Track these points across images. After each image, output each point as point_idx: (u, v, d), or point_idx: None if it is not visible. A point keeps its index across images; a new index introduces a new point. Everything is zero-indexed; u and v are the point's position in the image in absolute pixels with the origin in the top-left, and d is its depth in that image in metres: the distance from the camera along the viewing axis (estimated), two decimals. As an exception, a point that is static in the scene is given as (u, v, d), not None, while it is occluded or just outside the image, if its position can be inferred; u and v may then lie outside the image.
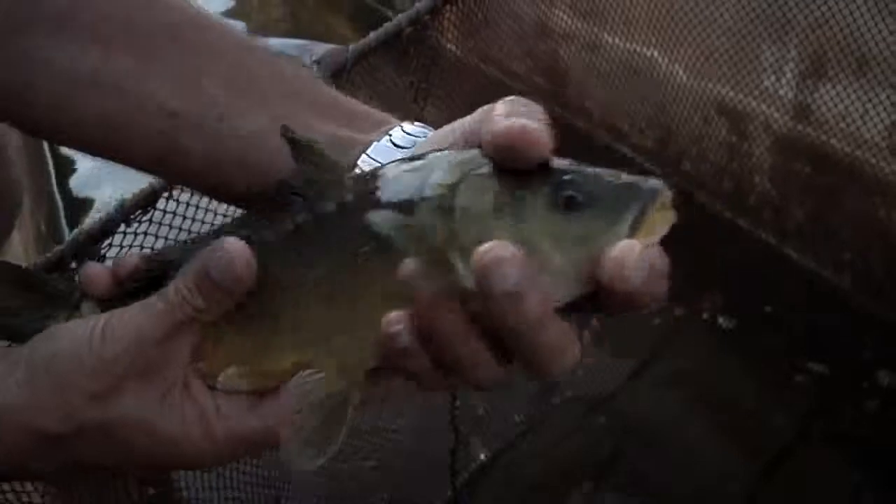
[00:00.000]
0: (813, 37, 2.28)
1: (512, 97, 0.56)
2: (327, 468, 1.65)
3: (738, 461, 2.26)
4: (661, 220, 0.52)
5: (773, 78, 2.43)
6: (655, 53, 2.78)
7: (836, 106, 2.31)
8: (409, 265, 0.51)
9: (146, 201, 0.91)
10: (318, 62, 1.23)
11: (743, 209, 2.74)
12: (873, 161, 2.28)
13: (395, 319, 0.52)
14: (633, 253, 0.50)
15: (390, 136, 0.65)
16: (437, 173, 0.55)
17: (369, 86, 1.43)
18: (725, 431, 2.34)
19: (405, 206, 0.54)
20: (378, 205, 0.55)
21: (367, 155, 0.63)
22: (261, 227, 0.58)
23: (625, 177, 0.54)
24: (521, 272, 0.49)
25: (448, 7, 1.76)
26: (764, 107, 2.49)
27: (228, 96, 0.65)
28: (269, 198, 0.59)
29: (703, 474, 2.21)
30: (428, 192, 0.54)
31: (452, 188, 0.54)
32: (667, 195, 0.52)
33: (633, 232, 0.51)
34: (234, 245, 0.54)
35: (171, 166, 0.67)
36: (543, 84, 3.34)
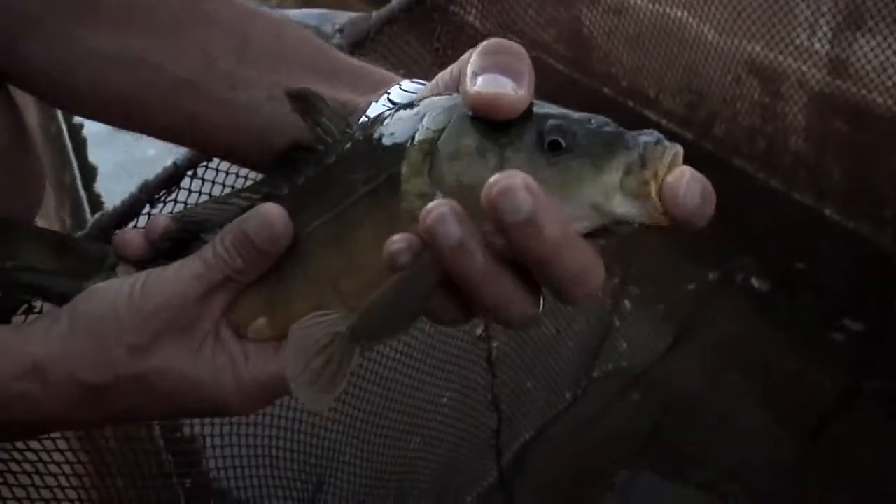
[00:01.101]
0: (848, -12, 2.21)
1: (491, 42, 0.56)
2: (368, 454, 1.63)
3: (780, 427, 2.23)
4: (675, 163, 0.52)
5: (807, 33, 2.35)
6: (683, 14, 2.71)
7: (875, 58, 2.23)
8: (404, 211, 0.53)
9: (170, 181, 0.87)
10: (340, 30, 1.18)
11: (777, 170, 2.67)
12: (914, 114, 2.21)
13: (398, 239, 0.52)
14: (685, 177, 0.50)
15: (388, 94, 0.66)
16: (427, 118, 0.56)
17: (394, 54, 1.39)
18: (766, 397, 2.30)
19: (398, 151, 0.56)
20: (374, 151, 0.58)
21: (367, 116, 0.65)
22: (276, 184, 0.62)
23: (615, 126, 0.54)
24: (534, 200, 0.48)
25: (469, -25, 1.71)
26: (798, 64, 2.42)
27: (237, 65, 0.67)
28: (284, 157, 0.62)
29: (746, 442, 2.17)
30: (418, 137, 0.55)
31: (439, 132, 0.55)
32: (672, 149, 0.52)
33: (624, 180, 0.51)
34: (272, 209, 0.58)
35: (189, 136, 0.70)
36: (567, 52, 3.28)
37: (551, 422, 2.12)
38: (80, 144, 3.89)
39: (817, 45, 2.34)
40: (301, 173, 0.61)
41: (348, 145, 0.60)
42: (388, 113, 0.60)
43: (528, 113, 0.54)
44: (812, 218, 2.60)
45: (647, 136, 0.52)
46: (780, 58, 2.45)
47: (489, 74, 0.54)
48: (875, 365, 2.28)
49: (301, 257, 0.60)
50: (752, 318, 2.46)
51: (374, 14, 1.27)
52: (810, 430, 2.19)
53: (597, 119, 0.54)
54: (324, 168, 0.61)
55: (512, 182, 0.48)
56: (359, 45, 1.21)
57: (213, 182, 0.99)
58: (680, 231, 0.53)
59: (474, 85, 0.54)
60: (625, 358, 2.30)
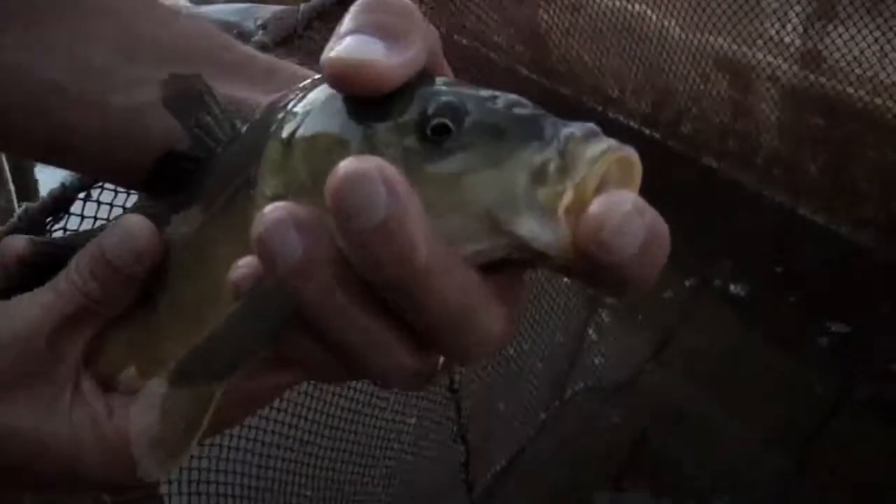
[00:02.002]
0: (819, -25, 2.10)
1: None
2: (336, 493, 1.49)
3: (770, 439, 2.11)
4: (621, 180, 0.38)
5: (777, 24, 2.24)
6: (644, 8, 2.59)
7: (849, 50, 2.12)
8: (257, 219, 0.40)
9: (56, 206, 0.72)
10: (263, 27, 1.04)
11: (750, 169, 2.56)
12: (892, 107, 2.10)
13: (243, 262, 0.41)
14: (622, 207, 0.36)
15: None
16: (294, 101, 0.46)
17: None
18: (753, 408, 2.18)
19: (256, 148, 0.45)
20: (239, 150, 0.48)
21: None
22: (150, 204, 0.52)
23: (531, 108, 0.41)
24: (393, 199, 0.36)
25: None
26: (768, 57, 2.30)
27: (118, 63, 0.56)
28: (159, 168, 0.52)
29: (735, 456, 2.06)
30: (279, 125, 0.45)
31: (300, 121, 0.44)
32: (612, 153, 0.37)
33: (532, 186, 0.38)
34: (132, 219, 0.49)
35: (60, 151, 0.58)
36: (525, 52, 3.16)
37: (525, 447, 1.98)
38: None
39: (788, 37, 2.23)
40: (175, 186, 0.51)
41: (220, 148, 0.49)
42: (269, 103, 0.48)
43: (411, 89, 0.42)
44: (789, 218, 2.50)
45: (576, 128, 0.38)
46: (750, 51, 2.34)
47: (357, 36, 0.42)
48: (864, 369, 2.19)
49: (170, 288, 0.50)
50: (733, 325, 2.36)
51: (302, 7, 1.12)
52: (802, 441, 2.09)
53: (506, 98, 0.41)
54: (195, 176, 0.50)
55: (360, 169, 0.36)
56: (285, 42, 1.06)
57: (112, 205, 0.85)
58: (596, 290, 0.38)
59: (332, 50, 0.42)
60: (600, 373, 2.17)
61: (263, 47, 1.06)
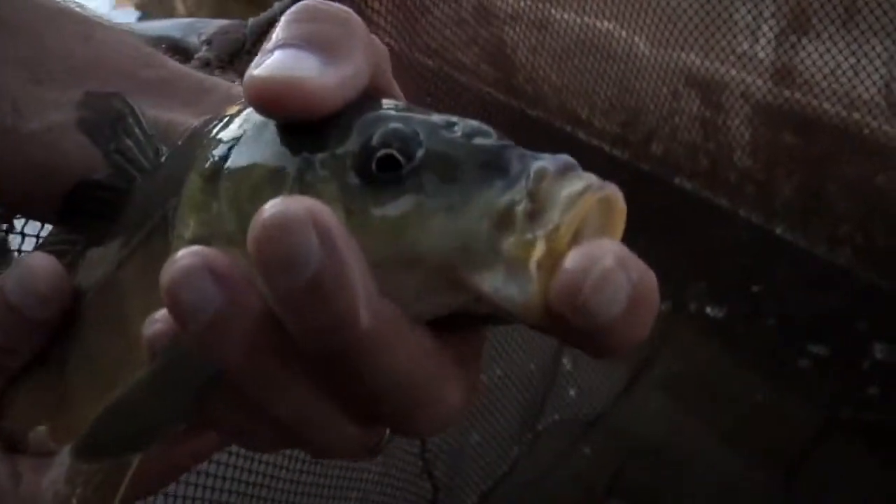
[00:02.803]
0: (791, -11, 2.04)
1: (303, 4, 0.39)
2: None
3: (752, 467, 2.04)
4: (601, 225, 0.32)
5: (748, 39, 2.18)
6: (612, 25, 2.53)
7: (824, 64, 2.06)
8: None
9: None
10: (208, 42, 0.95)
11: (723, 189, 2.50)
12: (869, 122, 2.04)
13: (160, 316, 0.35)
14: (606, 260, 0.30)
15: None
16: (221, 127, 0.40)
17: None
18: (734, 436, 2.11)
19: (176, 181, 0.40)
20: (159, 183, 0.42)
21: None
22: (63, 239, 0.47)
23: (496, 137, 0.35)
24: (328, 251, 0.30)
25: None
26: (741, 73, 2.25)
27: (26, 85, 0.51)
28: (73, 203, 0.46)
29: (717, 487, 1.98)
30: (203, 156, 0.39)
31: (223, 151, 0.38)
32: (593, 193, 0.31)
33: (496, 232, 0.32)
34: (34, 258, 0.44)
35: None
36: (491, 73, 3.09)
37: (497, 483, 1.89)
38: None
39: (760, 53, 2.17)
40: (92, 219, 0.45)
41: (140, 179, 0.44)
42: (195, 127, 0.43)
43: (351, 114, 0.36)
44: (764, 237, 2.44)
45: (548, 162, 0.33)
46: (721, 67, 2.28)
47: (286, 50, 0.36)
48: (846, 392, 2.13)
49: (83, 340, 0.44)
50: (711, 350, 2.29)
51: (251, 21, 1.03)
52: (786, 469, 2.01)
53: (465, 125, 0.35)
54: (113, 210, 0.44)
55: (288, 213, 0.30)
56: (232, 59, 0.97)
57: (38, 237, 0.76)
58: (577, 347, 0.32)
59: (257, 68, 0.36)
60: (575, 405, 2.09)
61: (207, 64, 0.98)
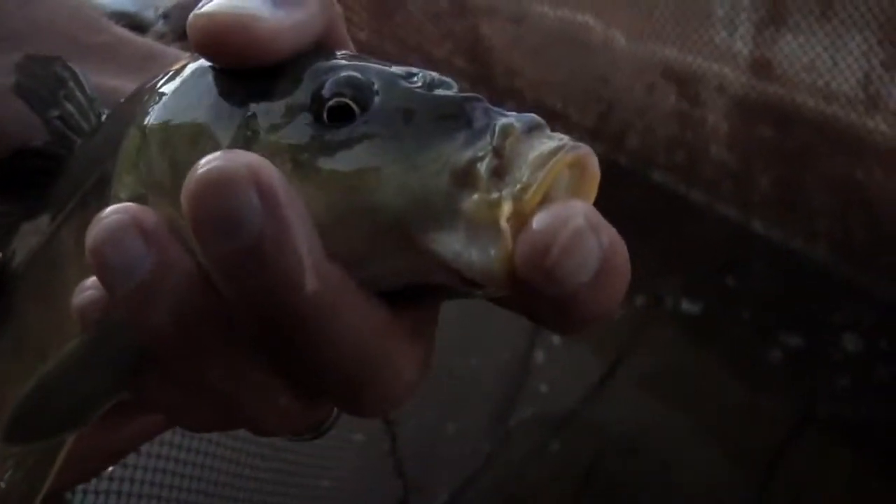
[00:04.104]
0: (768, -20, 2.02)
1: None
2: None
3: (730, 465, 2.02)
4: (572, 189, 0.29)
5: (725, 31, 2.16)
6: (589, 17, 2.50)
7: (800, 58, 2.04)
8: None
9: None
10: (165, 16, 0.92)
11: (699, 182, 2.48)
12: (847, 116, 2.02)
13: (91, 283, 0.32)
14: (574, 221, 0.28)
15: None
16: (161, 82, 0.37)
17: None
18: (711, 432, 2.09)
19: (115, 140, 0.37)
20: (96, 144, 0.40)
21: None
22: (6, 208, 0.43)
23: (456, 89, 0.32)
24: (270, 208, 0.28)
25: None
26: (717, 66, 2.22)
27: None
28: (9, 171, 0.43)
29: (693, 485, 1.96)
30: (141, 111, 0.36)
31: (163, 103, 0.35)
32: (565, 152, 0.28)
33: (456, 189, 0.29)
34: None
35: None
36: (467, 66, 3.06)
37: (469, 481, 1.86)
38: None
39: (737, 45, 2.15)
40: (28, 188, 0.43)
41: (80, 142, 0.41)
42: (139, 88, 0.39)
43: (303, 62, 0.33)
44: (740, 231, 2.43)
45: (515, 118, 0.30)
46: (698, 60, 2.26)
47: None
48: (820, 386, 2.12)
49: (13, 313, 0.42)
50: (686, 345, 2.27)
51: (214, -4, 1.00)
52: (762, 466, 1.98)
53: (425, 75, 0.33)
54: (49, 178, 0.42)
55: (225, 171, 0.28)
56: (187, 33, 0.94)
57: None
58: (538, 324, 0.30)
59: (204, 5, 0.33)
60: (547, 400, 2.05)
61: (162, 38, 0.95)
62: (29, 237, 0.42)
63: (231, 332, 0.32)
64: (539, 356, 2.09)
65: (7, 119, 0.46)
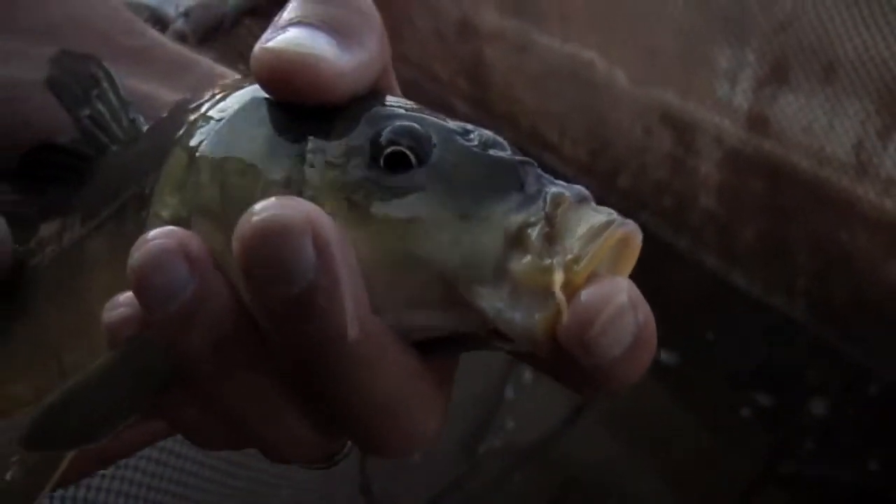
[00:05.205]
0: (775, 40, 2.04)
1: None
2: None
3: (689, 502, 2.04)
4: (613, 260, 0.31)
5: (727, 85, 2.18)
6: (593, 55, 2.52)
7: (797, 119, 2.07)
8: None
9: None
10: (185, 14, 0.92)
11: (685, 230, 2.49)
12: (837, 180, 2.05)
13: (124, 300, 0.33)
14: (618, 298, 0.30)
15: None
16: (208, 105, 0.37)
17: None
18: (675, 479, 2.10)
19: (157, 156, 0.37)
20: (135, 156, 0.40)
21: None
22: (12, 199, 0.43)
23: (511, 150, 0.34)
24: (324, 258, 0.28)
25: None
26: (715, 117, 2.24)
27: None
28: (33, 158, 0.43)
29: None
30: (185, 132, 0.36)
31: (213, 128, 0.35)
32: (619, 228, 0.31)
33: (512, 247, 0.30)
34: None
35: None
36: (466, 88, 3.07)
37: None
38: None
39: (738, 99, 2.17)
40: (48, 184, 0.42)
41: (114, 148, 0.42)
42: (181, 104, 0.40)
43: (360, 106, 0.34)
44: (721, 282, 2.44)
45: (565, 187, 0.32)
46: (697, 109, 2.28)
47: (303, 27, 0.34)
48: (784, 445, 2.13)
49: (22, 310, 0.42)
50: (658, 390, 2.28)
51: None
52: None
53: (481, 134, 0.35)
54: (77, 179, 0.42)
55: (284, 221, 0.28)
56: (209, 35, 0.94)
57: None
58: (560, 383, 0.32)
59: (269, 41, 0.34)
60: (515, 433, 2.06)
61: (182, 38, 0.95)
62: (52, 235, 0.42)
63: (264, 363, 0.32)
64: (510, 392, 2.10)
65: (35, 111, 0.46)
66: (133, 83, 0.47)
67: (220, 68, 0.52)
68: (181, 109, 0.40)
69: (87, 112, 0.42)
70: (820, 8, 1.91)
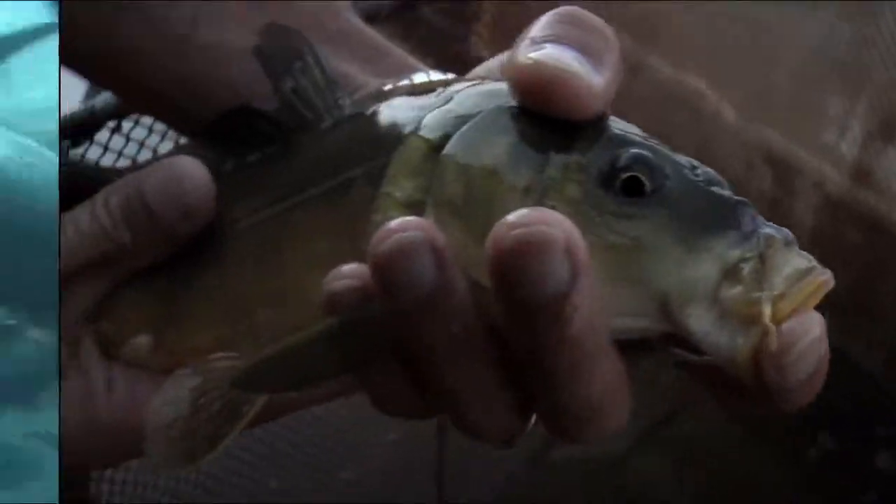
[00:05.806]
0: (888, 95, 2.05)
1: (565, 9, 0.40)
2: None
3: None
4: (809, 300, 0.36)
5: (835, 132, 2.20)
6: (703, 85, 2.55)
7: (902, 175, 2.08)
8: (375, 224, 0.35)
9: (80, 130, 0.64)
10: None
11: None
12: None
13: (349, 272, 0.35)
14: (811, 334, 0.35)
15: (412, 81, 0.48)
16: (452, 102, 0.40)
17: (410, 44, 1.15)
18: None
19: (387, 140, 0.40)
20: (358, 135, 0.42)
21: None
22: (210, 155, 0.44)
23: (729, 190, 0.38)
24: (574, 273, 0.31)
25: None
26: (819, 163, 2.26)
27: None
28: (230, 121, 0.44)
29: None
30: (428, 122, 0.40)
31: (461, 121, 0.39)
32: (818, 276, 0.36)
33: (726, 278, 0.35)
34: (184, 162, 0.42)
35: (136, 88, 0.52)
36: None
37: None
38: None
39: (844, 148, 2.19)
40: (250, 148, 0.44)
41: (327, 123, 0.43)
42: (399, 91, 0.44)
43: (599, 126, 0.38)
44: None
45: (775, 230, 0.37)
46: (801, 152, 2.30)
47: (558, 46, 0.37)
48: (847, 494, 2.14)
49: (217, 264, 0.44)
50: (731, 420, 2.30)
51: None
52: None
53: (705, 171, 0.39)
54: (283, 147, 0.44)
55: (543, 235, 0.31)
56: (368, 21, 0.98)
57: (142, 145, 0.77)
58: (728, 400, 0.37)
59: (529, 53, 0.37)
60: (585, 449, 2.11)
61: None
62: (255, 197, 0.44)
63: (490, 354, 0.36)
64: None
65: (239, 77, 0.49)
66: (335, 63, 0.48)
67: (412, 59, 0.54)
68: (408, 98, 0.43)
69: (290, 84, 0.44)
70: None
